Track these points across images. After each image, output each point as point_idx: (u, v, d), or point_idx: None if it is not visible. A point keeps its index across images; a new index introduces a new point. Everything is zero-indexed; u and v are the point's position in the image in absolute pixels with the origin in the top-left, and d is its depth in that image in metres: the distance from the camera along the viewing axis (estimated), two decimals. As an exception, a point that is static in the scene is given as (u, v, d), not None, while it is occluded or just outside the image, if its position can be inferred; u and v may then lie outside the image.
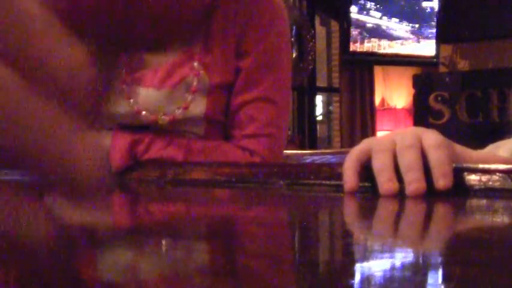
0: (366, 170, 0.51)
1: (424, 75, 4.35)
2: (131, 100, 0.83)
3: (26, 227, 0.31)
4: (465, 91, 3.93)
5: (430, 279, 0.20)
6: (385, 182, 0.48)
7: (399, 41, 4.59)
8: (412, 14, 4.57)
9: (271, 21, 0.94)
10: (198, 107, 0.83)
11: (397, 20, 4.55)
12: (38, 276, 0.21)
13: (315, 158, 1.12)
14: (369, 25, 4.50)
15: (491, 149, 0.72)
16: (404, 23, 4.59)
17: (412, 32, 4.60)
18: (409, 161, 0.48)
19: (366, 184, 0.52)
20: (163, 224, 0.35)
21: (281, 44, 0.96)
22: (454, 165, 0.48)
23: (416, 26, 4.58)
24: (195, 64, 0.90)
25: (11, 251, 0.25)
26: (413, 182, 0.46)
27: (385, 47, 4.56)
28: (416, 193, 0.46)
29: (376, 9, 4.50)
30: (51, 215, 0.38)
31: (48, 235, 0.30)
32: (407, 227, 0.34)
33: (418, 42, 4.59)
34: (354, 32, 4.42)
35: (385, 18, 4.53)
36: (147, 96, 0.82)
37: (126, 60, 0.96)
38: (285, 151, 0.99)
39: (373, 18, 4.50)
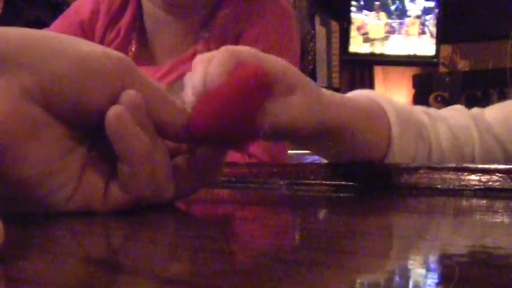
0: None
1: (424, 75, 4.35)
2: None
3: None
4: (465, 91, 3.93)
5: (430, 280, 0.20)
6: None
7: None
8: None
9: (272, 21, 0.94)
10: None
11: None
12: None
13: (315, 158, 1.12)
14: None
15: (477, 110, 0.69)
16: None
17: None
18: None
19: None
20: (162, 223, 0.35)
21: (284, 42, 0.95)
22: (454, 165, 0.48)
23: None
24: None
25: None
26: None
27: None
28: None
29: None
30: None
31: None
32: (407, 227, 0.34)
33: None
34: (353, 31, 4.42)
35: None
36: None
37: (133, 54, 0.96)
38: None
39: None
